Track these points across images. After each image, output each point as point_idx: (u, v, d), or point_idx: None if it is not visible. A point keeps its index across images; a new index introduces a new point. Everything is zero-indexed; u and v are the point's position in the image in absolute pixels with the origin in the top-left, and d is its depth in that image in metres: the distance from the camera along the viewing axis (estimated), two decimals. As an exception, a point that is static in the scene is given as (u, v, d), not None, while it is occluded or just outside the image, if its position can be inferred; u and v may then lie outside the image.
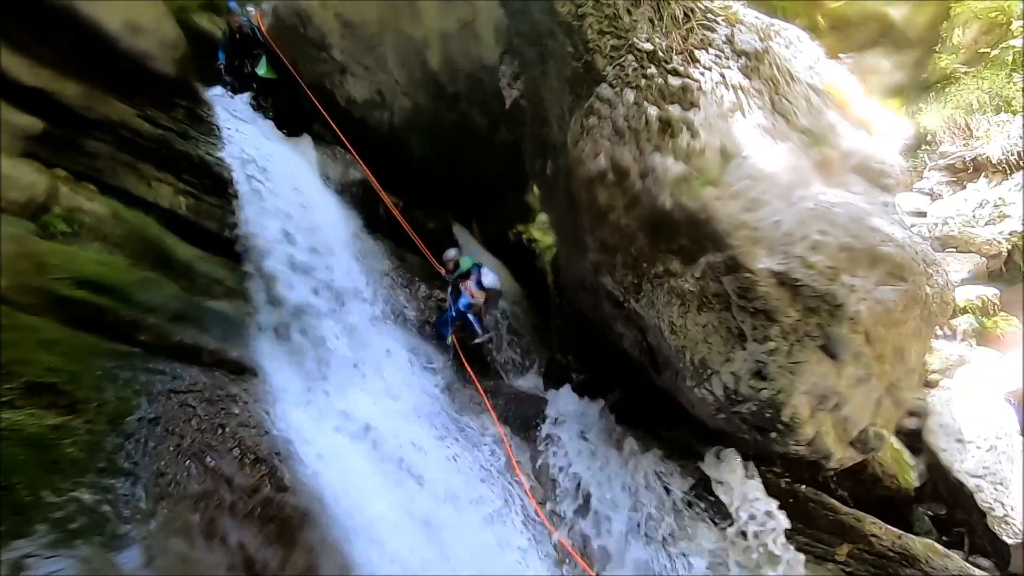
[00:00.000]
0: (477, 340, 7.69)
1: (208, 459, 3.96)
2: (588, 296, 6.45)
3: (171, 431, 3.95)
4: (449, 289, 7.88)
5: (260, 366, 5.50)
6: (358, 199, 8.30)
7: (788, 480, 5.31)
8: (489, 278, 7.65)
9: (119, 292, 4.88)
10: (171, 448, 3.80)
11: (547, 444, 6.43)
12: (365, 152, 8.62)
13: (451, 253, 7.99)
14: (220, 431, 4.30)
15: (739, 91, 4.84)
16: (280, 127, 8.18)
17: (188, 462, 3.78)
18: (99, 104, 5.74)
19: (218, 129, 6.82)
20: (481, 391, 7.02)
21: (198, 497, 3.50)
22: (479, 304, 7.58)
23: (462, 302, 7.52)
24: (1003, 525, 5.85)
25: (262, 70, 8.48)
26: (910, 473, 6.47)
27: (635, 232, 4.94)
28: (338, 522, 4.53)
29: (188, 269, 5.63)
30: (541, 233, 11.21)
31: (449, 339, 7.66)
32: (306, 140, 8.34)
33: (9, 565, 2.32)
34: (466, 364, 7.38)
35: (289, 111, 8.45)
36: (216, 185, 6.38)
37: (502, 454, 6.25)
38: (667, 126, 4.76)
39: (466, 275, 7.63)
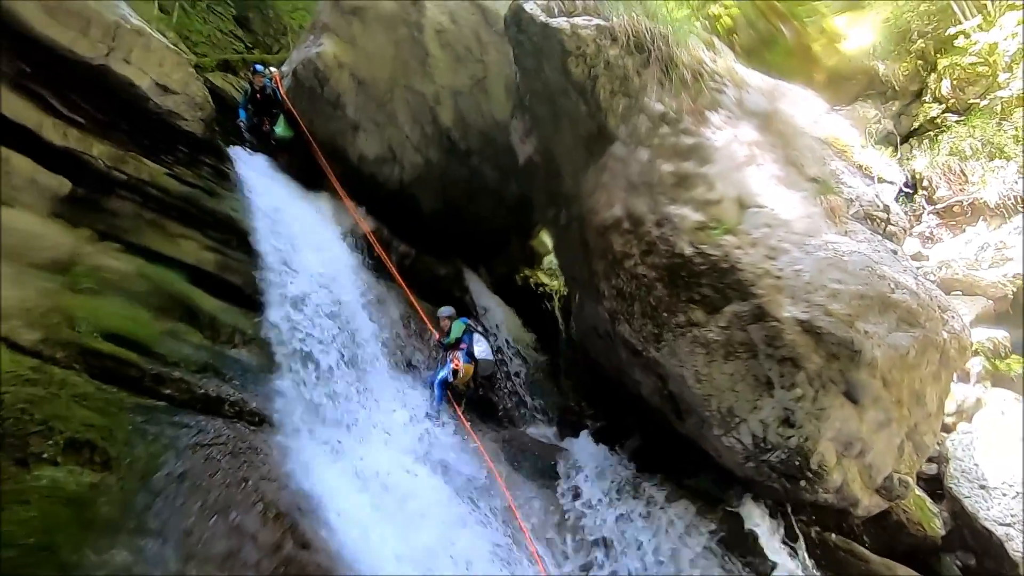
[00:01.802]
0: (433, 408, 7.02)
1: (232, 515, 3.91)
2: (602, 343, 6.49)
3: (197, 486, 3.91)
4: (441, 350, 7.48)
5: (279, 416, 5.48)
6: (370, 248, 8.43)
7: (818, 529, 5.22)
8: (480, 347, 7.20)
9: (143, 346, 4.91)
10: (197, 505, 3.75)
11: (565, 493, 6.33)
12: (376, 206, 8.81)
13: (444, 312, 7.62)
14: (243, 485, 4.25)
15: (752, 146, 5.04)
16: (298, 182, 8.41)
17: (214, 519, 3.73)
18: (129, 163, 5.91)
19: (241, 186, 7.00)
20: (474, 436, 6.82)
21: (224, 557, 3.44)
22: (464, 377, 7.07)
23: (443, 373, 7.04)
24: (1037, 574, 5.72)
25: (280, 128, 8.77)
26: (935, 521, 6.36)
27: (653, 281, 5.04)
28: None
29: (213, 321, 5.68)
30: (548, 277, 11.33)
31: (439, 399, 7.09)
32: (323, 195, 8.54)
33: (54, 630, 2.29)
34: (460, 415, 7.03)
35: (305, 167, 8.69)
36: (240, 240, 6.49)
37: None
38: (682, 180, 4.93)
39: (456, 343, 7.18)
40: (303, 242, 7.02)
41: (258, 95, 8.70)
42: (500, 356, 8.74)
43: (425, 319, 7.90)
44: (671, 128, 5.11)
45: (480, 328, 7.49)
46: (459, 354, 7.04)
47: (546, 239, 11.10)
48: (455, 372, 6.92)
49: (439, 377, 7.08)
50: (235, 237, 6.45)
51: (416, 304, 7.92)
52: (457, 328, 7.31)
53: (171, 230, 6.07)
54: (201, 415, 4.73)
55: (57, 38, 5.37)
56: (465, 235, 9.55)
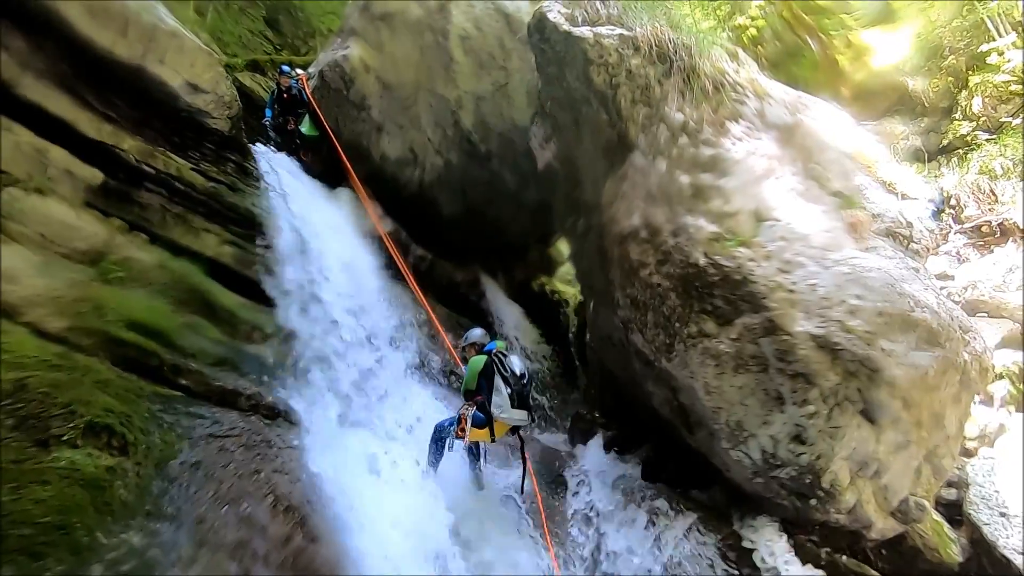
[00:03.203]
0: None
1: (244, 506, 3.97)
2: (616, 352, 6.47)
3: (210, 476, 3.99)
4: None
5: (294, 412, 5.56)
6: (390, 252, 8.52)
7: (828, 551, 5.11)
8: (500, 397, 5.21)
9: (163, 336, 5.04)
10: (210, 494, 3.83)
11: (573, 499, 6.31)
12: (396, 208, 8.93)
13: (471, 336, 5.85)
14: (256, 476, 4.32)
15: (772, 160, 5.01)
16: (321, 181, 8.55)
17: (226, 508, 3.80)
18: (158, 158, 6.08)
19: (264, 183, 7.15)
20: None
21: (235, 546, 3.51)
22: (478, 437, 5.38)
23: (445, 424, 5.51)
24: (1056, 607, 5.54)
25: (305, 128, 8.95)
26: (952, 547, 6.19)
27: (667, 291, 5.03)
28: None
29: (231, 316, 5.81)
30: (564, 285, 11.34)
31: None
32: (344, 194, 8.67)
33: (68, 608, 2.36)
34: (479, 469, 5.87)
35: (328, 167, 8.84)
36: (261, 236, 6.63)
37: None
38: (699, 192, 4.92)
39: (473, 392, 5.32)
40: (323, 240, 7.13)
41: (284, 95, 8.89)
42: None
43: (437, 324, 7.09)
44: (690, 139, 5.10)
45: (510, 362, 5.35)
46: (469, 411, 5.16)
47: (563, 247, 11.12)
48: (460, 432, 5.11)
49: (440, 427, 5.51)
50: (256, 233, 6.58)
51: (427, 307, 7.19)
52: (474, 366, 5.30)
53: (195, 224, 6.23)
54: (216, 407, 4.83)
55: (98, 39, 5.55)
56: (484, 240, 9.61)
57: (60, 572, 2.50)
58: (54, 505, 2.97)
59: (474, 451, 5.83)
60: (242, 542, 3.64)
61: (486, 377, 5.24)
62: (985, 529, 6.14)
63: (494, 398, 5.15)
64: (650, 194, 5.07)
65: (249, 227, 6.63)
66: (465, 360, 5.78)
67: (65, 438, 3.31)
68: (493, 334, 9.16)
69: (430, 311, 7.20)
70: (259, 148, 8.39)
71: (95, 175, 5.67)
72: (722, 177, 4.92)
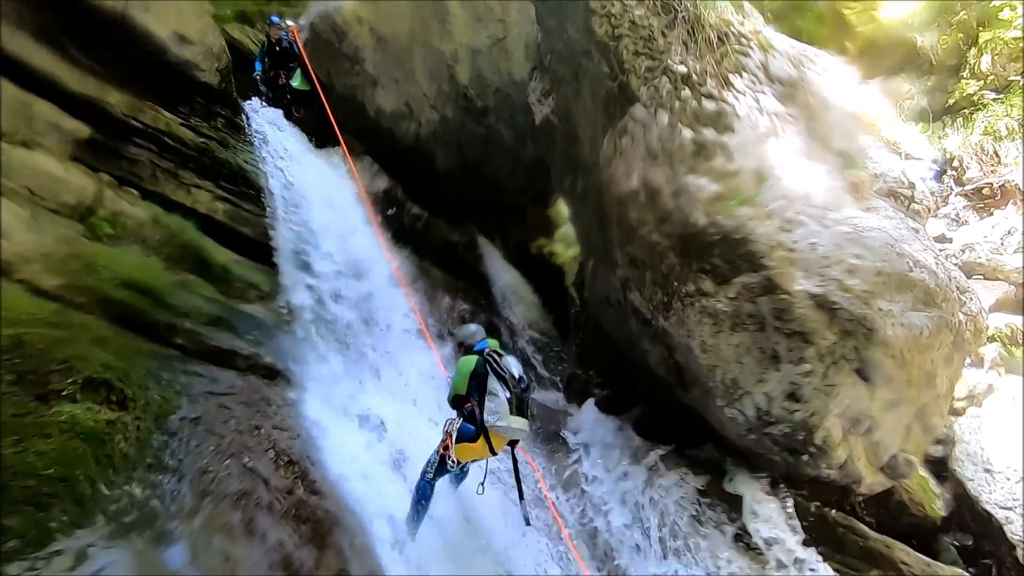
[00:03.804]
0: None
1: (246, 459, 4.02)
2: (613, 312, 6.48)
3: (211, 431, 4.03)
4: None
5: (292, 371, 5.58)
6: (383, 209, 8.41)
7: (818, 504, 5.26)
8: (495, 402, 4.38)
9: (156, 295, 5.00)
10: (211, 447, 3.87)
11: (569, 458, 6.44)
12: (392, 163, 8.78)
13: (463, 333, 5.01)
14: (256, 432, 4.37)
15: (774, 116, 4.90)
16: (311, 137, 8.36)
17: (228, 461, 3.85)
18: (145, 112, 5.91)
19: (254, 138, 6.99)
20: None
21: (238, 495, 3.56)
22: (470, 457, 4.61)
23: (426, 468, 4.64)
24: (1033, 558, 5.75)
25: (296, 82, 8.69)
26: (936, 502, 6.38)
27: (666, 250, 5.00)
28: (364, 527, 4.59)
29: (224, 273, 5.77)
30: (562, 247, 11.28)
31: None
32: (337, 150, 8.49)
33: (73, 555, 2.40)
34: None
35: (321, 122, 8.62)
36: (252, 192, 6.53)
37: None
38: (701, 149, 4.83)
39: (461, 400, 4.52)
40: (315, 197, 7.03)
41: (275, 48, 8.59)
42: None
43: (402, 281, 6.67)
44: (693, 92, 4.98)
45: (506, 362, 4.52)
46: (456, 425, 4.45)
47: (562, 208, 11.02)
48: (443, 458, 4.44)
49: (422, 474, 4.63)
50: (247, 189, 6.48)
51: (402, 280, 6.70)
52: (464, 368, 4.52)
53: (186, 180, 6.14)
54: (214, 366, 4.84)
55: (78, -15, 5.32)
56: (480, 198, 9.50)
57: (64, 522, 2.54)
58: (56, 457, 2.99)
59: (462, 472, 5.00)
60: (245, 492, 3.69)
61: (478, 380, 4.42)
62: (969, 485, 6.31)
63: (488, 404, 4.32)
64: (650, 151, 4.97)
65: (241, 184, 6.53)
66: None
67: (64, 393, 3.32)
68: (488, 295, 9.13)
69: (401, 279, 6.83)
70: (250, 103, 8.19)
71: (81, 129, 5.53)
72: (725, 133, 4.82)
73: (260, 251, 6.32)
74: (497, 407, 4.31)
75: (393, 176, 8.64)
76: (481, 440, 4.34)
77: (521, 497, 4.51)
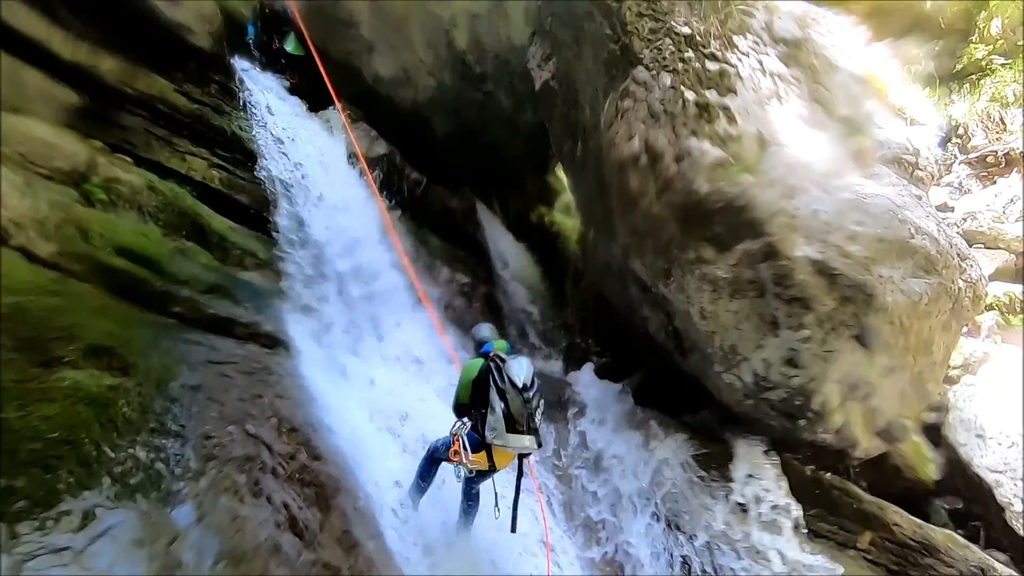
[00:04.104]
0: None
1: (249, 426, 4.05)
2: (614, 280, 6.48)
3: (212, 399, 4.05)
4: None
5: (292, 340, 5.60)
6: (382, 176, 8.31)
7: (813, 468, 5.35)
8: (495, 415, 4.04)
9: (154, 262, 4.97)
10: (214, 414, 3.89)
11: (566, 423, 6.53)
12: (390, 128, 8.65)
13: (480, 330, 4.72)
14: (258, 400, 4.40)
15: (776, 78, 4.81)
16: (307, 102, 8.20)
17: (230, 428, 3.87)
18: (138, 79, 5.79)
19: (249, 104, 6.86)
20: None
21: (243, 460, 3.60)
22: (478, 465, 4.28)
23: (438, 446, 4.51)
24: (1021, 520, 5.88)
25: (290, 46, 8.47)
26: (928, 466, 6.50)
27: (667, 220, 4.96)
28: (365, 491, 4.67)
29: (221, 241, 5.73)
30: (563, 216, 11.22)
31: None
32: (333, 116, 8.35)
33: (80, 515, 2.45)
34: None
35: (317, 87, 8.45)
36: (247, 160, 6.44)
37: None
38: (704, 111, 4.75)
39: (465, 406, 4.31)
40: (312, 163, 6.94)
41: (267, 11, 8.36)
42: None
43: (399, 247, 6.37)
44: (696, 53, 4.87)
45: (510, 368, 4.11)
46: (463, 430, 4.20)
47: (562, 175, 10.92)
48: (455, 457, 4.26)
49: (434, 448, 4.56)
50: (243, 156, 6.40)
51: (400, 249, 6.36)
52: (466, 373, 4.29)
53: (181, 147, 6.04)
54: (213, 335, 4.84)
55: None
56: (479, 165, 9.41)
57: (71, 483, 2.58)
58: (61, 421, 3.02)
59: (472, 492, 4.67)
60: (249, 457, 3.73)
61: (479, 388, 4.11)
62: (961, 450, 6.42)
63: (488, 417, 3.97)
64: (652, 113, 4.89)
65: (236, 151, 6.43)
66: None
67: (67, 359, 3.33)
68: (488, 265, 9.08)
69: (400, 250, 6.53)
70: (243, 67, 8.01)
71: (72, 96, 5.42)
72: (727, 95, 4.74)
73: (257, 219, 6.26)
74: (495, 422, 3.95)
75: (392, 142, 8.52)
76: (483, 453, 4.08)
77: (515, 506, 4.19)
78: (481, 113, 9.01)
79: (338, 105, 7.76)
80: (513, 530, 4.20)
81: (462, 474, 4.30)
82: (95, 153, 5.36)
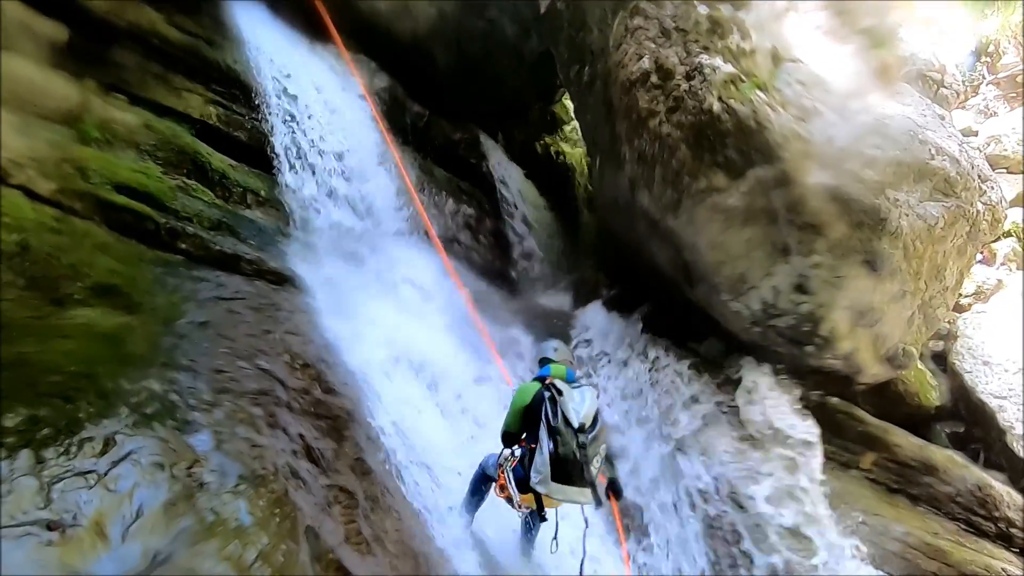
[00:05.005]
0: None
1: (260, 361, 4.12)
2: (621, 214, 6.37)
3: (222, 335, 4.10)
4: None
5: (298, 276, 5.62)
6: (385, 108, 8.07)
7: (819, 393, 5.41)
8: (541, 457, 3.37)
9: (155, 199, 4.95)
10: (224, 349, 3.95)
11: (575, 353, 6.61)
12: (390, 61, 8.32)
13: (546, 345, 4.12)
14: (268, 336, 4.45)
15: (797, -12, 4.51)
16: (303, 34, 7.86)
17: (241, 363, 3.94)
18: (127, 10, 5.57)
19: (242, 36, 6.61)
20: None
21: (256, 393, 3.68)
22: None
23: (489, 466, 3.96)
24: (1022, 443, 5.99)
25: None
26: (931, 392, 6.57)
27: (677, 142, 4.79)
28: (376, 423, 4.81)
29: (223, 178, 5.67)
30: (569, 146, 10.92)
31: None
32: (330, 47, 8.02)
33: (101, 441, 2.55)
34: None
35: (312, 18, 8.07)
36: (245, 95, 6.27)
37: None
38: (717, 25, 4.49)
39: (514, 435, 3.72)
40: (310, 98, 6.74)
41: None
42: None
43: (411, 188, 6.48)
44: (710, -35, 4.56)
45: (565, 403, 3.41)
46: (509, 464, 3.65)
47: (568, 104, 10.54)
48: (502, 494, 3.74)
49: (485, 465, 4.01)
50: (239, 91, 6.22)
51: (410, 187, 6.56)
52: (519, 398, 3.65)
53: (176, 83, 5.90)
54: (221, 272, 4.85)
55: None
56: (482, 96, 9.09)
57: (91, 412, 2.67)
58: (79, 356, 3.10)
59: (529, 520, 4.13)
60: (263, 391, 3.82)
61: (531, 417, 3.49)
62: (966, 377, 6.47)
63: (536, 456, 3.36)
64: (664, 29, 4.63)
65: (232, 86, 6.25)
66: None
67: (77, 297, 3.37)
68: (493, 194, 8.88)
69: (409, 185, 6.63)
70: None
71: (58, 31, 5.22)
72: (741, 8, 4.46)
73: (257, 155, 6.16)
74: (540, 465, 3.30)
75: (392, 75, 8.21)
76: (531, 496, 3.47)
77: (581, 566, 3.55)
78: (485, 42, 8.61)
79: (336, 38, 7.45)
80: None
81: (516, 511, 3.68)
82: (88, 94, 5.23)
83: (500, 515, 4.15)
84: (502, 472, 3.62)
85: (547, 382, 3.51)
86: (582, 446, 3.29)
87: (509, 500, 3.62)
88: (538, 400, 3.48)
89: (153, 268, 4.33)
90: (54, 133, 4.65)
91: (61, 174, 4.27)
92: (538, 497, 3.42)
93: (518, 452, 3.60)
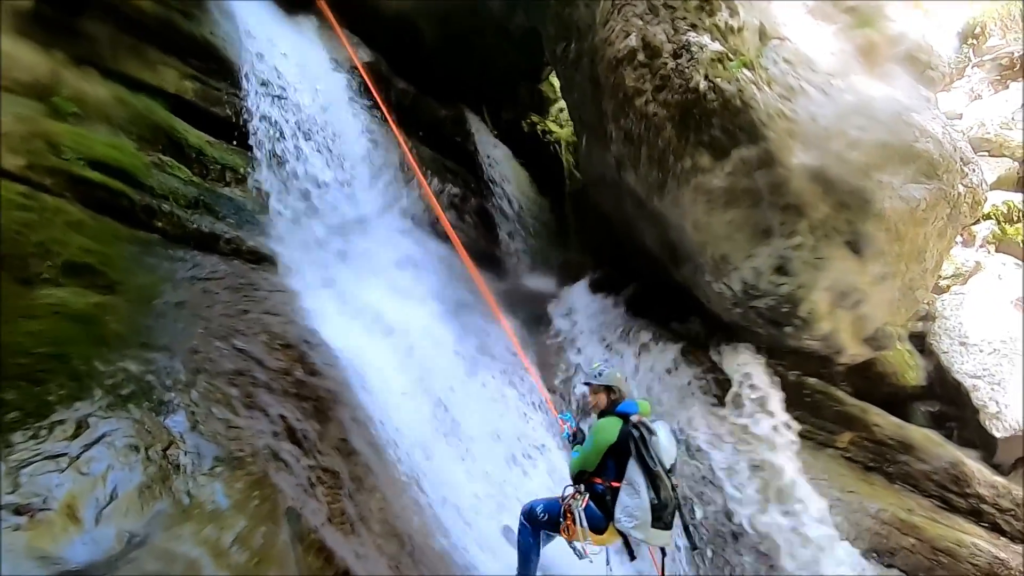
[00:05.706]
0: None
1: (236, 342, 4.07)
2: (608, 192, 6.33)
3: (197, 315, 4.04)
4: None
5: (278, 255, 5.53)
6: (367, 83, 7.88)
7: (798, 373, 5.47)
8: (636, 500, 3.18)
9: (131, 176, 4.80)
10: (200, 330, 3.89)
11: (557, 337, 6.62)
12: (374, 36, 8.11)
13: (612, 373, 3.61)
14: (245, 316, 4.39)
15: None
16: (281, 5, 7.62)
17: (217, 343, 3.89)
18: (98, -23, 5.33)
19: (221, 8, 6.38)
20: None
21: (232, 373, 3.64)
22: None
23: (538, 511, 3.61)
24: (994, 421, 6.12)
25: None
26: (911, 372, 6.67)
27: (663, 121, 4.74)
28: (363, 404, 4.78)
29: (200, 155, 5.52)
30: (556, 126, 10.80)
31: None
32: (310, 18, 7.79)
33: (73, 424, 2.50)
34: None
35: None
36: (222, 69, 6.07)
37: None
38: (706, 2, 4.41)
39: (587, 474, 3.47)
40: (290, 71, 6.55)
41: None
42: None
43: (416, 167, 6.41)
44: (698, -60, 4.46)
45: (656, 443, 3.26)
46: (579, 509, 3.35)
47: (555, 82, 10.40)
48: (569, 534, 3.42)
49: (531, 514, 3.65)
50: (216, 65, 6.02)
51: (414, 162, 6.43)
52: (603, 436, 3.37)
53: (151, 57, 5.68)
54: (197, 251, 4.75)
55: None
56: (469, 73, 8.93)
57: (63, 395, 2.62)
58: (47, 337, 3.03)
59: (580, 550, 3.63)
60: (241, 371, 3.78)
61: (617, 458, 3.29)
62: (943, 357, 6.57)
63: (624, 499, 3.18)
64: (651, 6, 4.56)
65: (209, 60, 6.05)
66: (596, 405, 3.55)
67: (46, 276, 3.28)
68: (479, 177, 8.79)
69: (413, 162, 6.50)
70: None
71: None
72: (730, -15, 4.39)
73: (235, 132, 6.00)
74: (635, 509, 3.13)
75: (376, 50, 8.01)
76: (612, 533, 3.28)
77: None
78: (471, 18, 8.43)
79: (325, 9, 7.23)
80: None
81: (578, 552, 3.45)
82: (57, 66, 5.02)
83: None
84: (570, 513, 3.36)
85: (636, 421, 3.30)
86: (674, 488, 3.23)
87: (572, 540, 3.38)
88: (624, 438, 3.28)
89: (129, 247, 4.23)
90: (22, 107, 4.48)
91: (30, 149, 4.11)
92: (626, 541, 3.27)
93: (585, 493, 3.37)
